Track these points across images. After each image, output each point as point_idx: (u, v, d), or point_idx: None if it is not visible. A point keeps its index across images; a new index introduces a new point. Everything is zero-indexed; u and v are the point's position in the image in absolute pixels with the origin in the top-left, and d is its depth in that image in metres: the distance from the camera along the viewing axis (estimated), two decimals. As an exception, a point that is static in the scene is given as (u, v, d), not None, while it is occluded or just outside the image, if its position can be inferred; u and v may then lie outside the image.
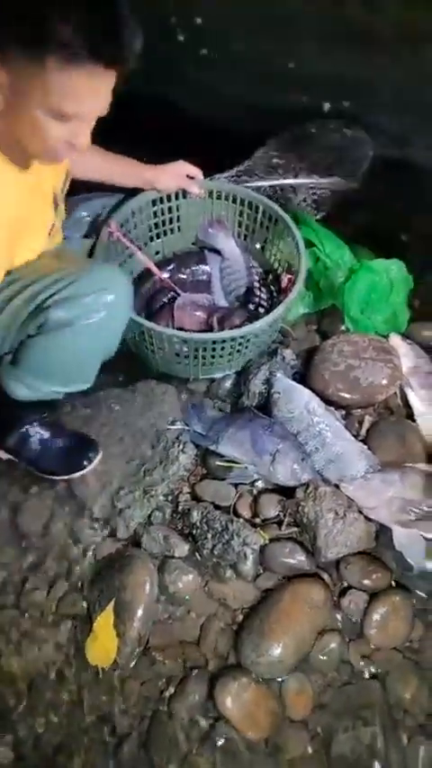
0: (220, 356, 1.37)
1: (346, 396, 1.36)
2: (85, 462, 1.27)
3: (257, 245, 1.59)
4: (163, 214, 1.55)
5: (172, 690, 1.09)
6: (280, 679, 1.08)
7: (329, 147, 1.77)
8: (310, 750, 1.04)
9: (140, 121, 1.58)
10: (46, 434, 1.26)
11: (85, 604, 1.18)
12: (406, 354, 1.42)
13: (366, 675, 1.09)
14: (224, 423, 1.31)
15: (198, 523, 1.21)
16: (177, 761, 1.03)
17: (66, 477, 1.28)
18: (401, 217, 1.68)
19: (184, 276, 1.57)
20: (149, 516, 1.26)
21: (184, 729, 1.05)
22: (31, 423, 1.25)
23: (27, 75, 0.76)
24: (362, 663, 1.10)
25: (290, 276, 1.41)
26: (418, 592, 1.16)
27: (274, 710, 1.06)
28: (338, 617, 1.14)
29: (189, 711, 1.07)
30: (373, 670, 1.10)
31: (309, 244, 1.50)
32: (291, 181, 1.66)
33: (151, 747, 1.05)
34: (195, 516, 1.22)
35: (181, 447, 1.34)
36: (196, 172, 1.47)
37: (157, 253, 1.63)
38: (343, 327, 1.50)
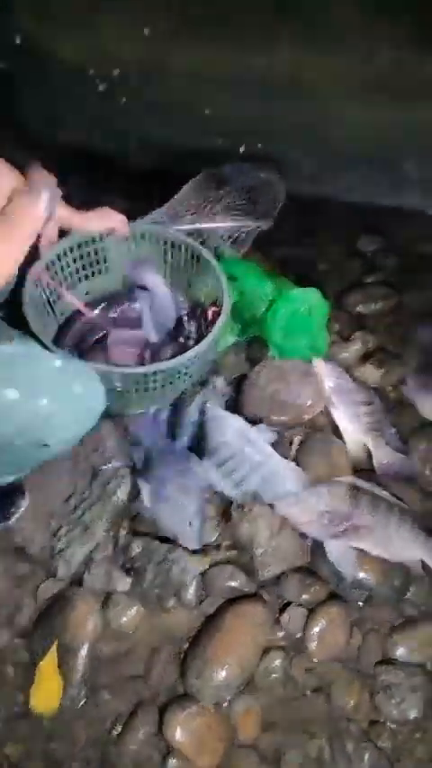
0: (154, 389, 1.41)
1: (275, 418, 1.43)
2: (12, 510, 1.28)
3: (184, 283, 1.66)
4: (89, 256, 1.59)
5: (120, 727, 1.08)
6: (227, 702, 1.09)
7: (244, 189, 1.88)
8: (261, 772, 1.05)
9: (68, 166, 1.64)
10: None
11: (27, 651, 1.16)
12: (328, 375, 1.51)
13: (310, 688, 1.13)
14: (152, 456, 1.35)
15: (138, 555, 1.23)
16: (130, 800, 1.02)
17: None
18: (317, 247, 1.81)
19: (115, 314, 1.61)
20: (90, 553, 1.26)
21: (136, 766, 1.05)
22: None
23: None
24: (306, 676, 1.13)
25: (215, 309, 1.48)
26: (354, 601, 1.21)
27: (224, 735, 1.07)
28: (280, 634, 1.17)
29: (139, 748, 1.06)
30: (316, 682, 1.13)
31: (232, 278, 1.59)
32: (207, 225, 1.74)
33: (103, 790, 1.03)
34: (135, 549, 1.24)
35: (119, 481, 1.35)
36: (121, 217, 1.53)
37: (87, 293, 1.66)
38: (269, 354, 1.58)
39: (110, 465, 1.38)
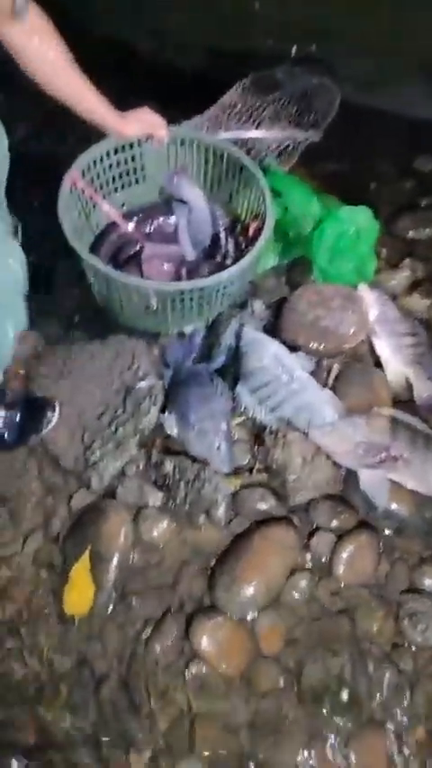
0: (190, 308, 1.36)
1: (315, 345, 1.37)
2: (43, 423, 1.30)
3: (224, 196, 1.56)
4: (126, 163, 1.50)
5: (149, 632, 1.12)
6: (252, 617, 1.12)
7: (294, 96, 1.72)
8: (282, 683, 1.08)
9: (101, 66, 1.51)
10: (2, 413, 1.29)
11: (61, 555, 1.19)
12: (373, 303, 1.43)
13: (335, 610, 1.14)
14: (178, 379, 1.33)
15: (171, 473, 1.23)
16: (156, 697, 1.07)
17: (29, 444, 1.30)
18: (368, 164, 1.66)
19: (151, 228, 1.54)
20: (123, 468, 1.27)
21: (162, 668, 1.09)
22: None
23: None
24: (331, 599, 1.15)
25: (257, 225, 1.39)
26: (384, 530, 1.20)
27: (248, 647, 1.10)
28: (308, 557, 1.18)
29: (166, 651, 1.10)
30: (341, 605, 1.14)
31: (276, 194, 1.48)
32: (253, 134, 1.61)
33: (131, 686, 1.08)
34: (168, 466, 1.24)
35: (153, 400, 1.34)
36: (161, 120, 1.42)
37: (123, 205, 1.58)
38: (312, 278, 1.50)
39: (143, 383, 1.36)
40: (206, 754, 1.03)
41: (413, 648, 1.10)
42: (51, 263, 1.55)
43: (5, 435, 1.29)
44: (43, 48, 1.06)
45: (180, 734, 1.05)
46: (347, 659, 1.09)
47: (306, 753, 1.02)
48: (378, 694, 1.06)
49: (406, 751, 1.02)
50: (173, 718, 1.06)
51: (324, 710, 1.05)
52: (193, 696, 1.07)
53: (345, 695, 1.06)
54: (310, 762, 1.01)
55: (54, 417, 1.32)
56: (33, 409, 1.33)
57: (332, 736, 1.03)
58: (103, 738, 1.05)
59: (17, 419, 1.30)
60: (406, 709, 1.05)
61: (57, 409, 1.33)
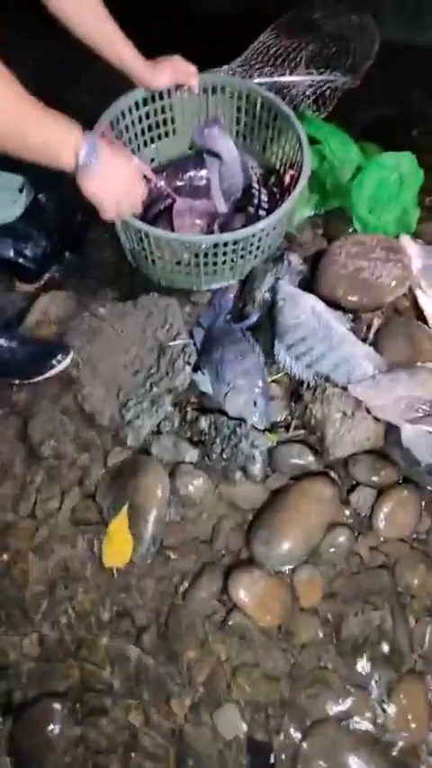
0: (223, 262, 1.32)
1: (355, 299, 1.32)
2: (53, 362, 1.31)
3: (258, 146, 1.50)
4: (156, 115, 1.45)
5: (187, 584, 1.13)
6: (291, 570, 1.11)
7: (333, 36, 1.63)
8: (321, 634, 1.08)
9: (128, 13, 1.45)
10: (13, 344, 1.31)
11: (98, 510, 1.20)
12: (416, 255, 1.37)
13: (375, 565, 1.13)
14: (211, 337, 1.30)
15: (206, 429, 1.22)
16: (196, 647, 1.08)
17: (34, 380, 1.33)
18: (411, 108, 1.56)
19: (182, 183, 1.50)
20: (158, 425, 1.26)
21: (201, 619, 1.10)
22: None
23: None
24: (371, 554, 1.13)
25: (293, 173, 1.34)
26: (427, 486, 1.17)
27: (286, 600, 1.10)
28: (347, 512, 1.16)
29: (204, 603, 1.11)
30: (381, 560, 1.13)
31: (312, 141, 1.42)
32: (287, 78, 1.53)
33: (170, 636, 1.10)
34: (203, 423, 1.22)
35: (186, 358, 1.32)
36: (192, 68, 1.36)
37: (152, 160, 1.55)
38: (351, 229, 1.44)
39: (177, 341, 1.34)
40: (245, 702, 1.04)
41: (455, 602, 1.08)
42: (82, 223, 1.54)
43: (7, 368, 1.31)
44: None
45: (219, 683, 1.06)
46: (387, 612, 1.08)
47: (346, 702, 1.02)
48: (419, 646, 1.05)
49: (449, 701, 1.01)
50: (212, 668, 1.07)
51: (364, 662, 1.04)
52: (231, 647, 1.08)
53: (385, 647, 1.05)
54: (351, 712, 1.01)
55: (65, 362, 1.32)
56: (48, 349, 1.34)
57: (372, 687, 1.03)
58: (143, 686, 1.07)
59: (26, 352, 1.31)
60: (448, 661, 1.04)
61: (70, 354, 1.33)
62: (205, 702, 1.05)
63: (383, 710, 1.01)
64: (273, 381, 1.29)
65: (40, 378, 1.33)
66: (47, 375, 1.32)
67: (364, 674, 1.04)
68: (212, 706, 1.04)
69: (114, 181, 0.96)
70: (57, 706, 1.05)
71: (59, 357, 1.32)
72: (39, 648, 1.12)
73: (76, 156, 0.88)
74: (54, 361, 1.31)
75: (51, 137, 0.84)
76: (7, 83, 0.79)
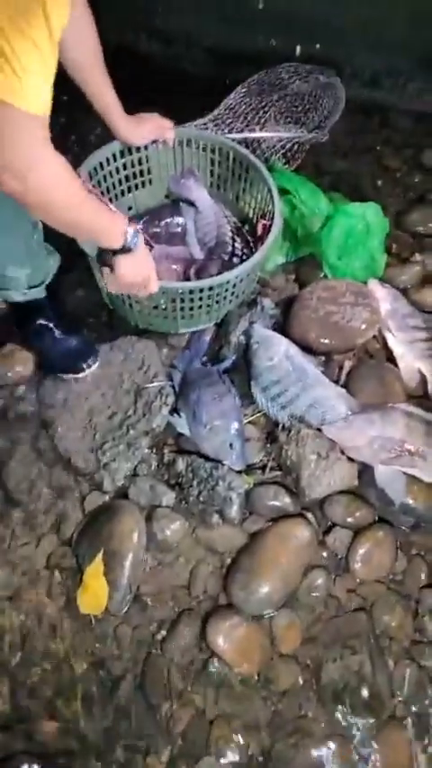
0: (199, 307, 1.36)
1: (326, 341, 1.36)
2: (84, 366, 1.36)
3: (231, 196, 1.57)
4: (133, 166, 1.51)
5: (164, 632, 1.11)
6: (269, 615, 1.10)
7: (300, 95, 1.73)
8: (300, 681, 1.07)
9: (107, 68, 1.52)
10: (57, 333, 1.37)
11: (74, 556, 1.19)
12: (384, 298, 1.42)
13: (353, 608, 1.12)
14: (188, 379, 1.33)
15: (183, 472, 1.22)
16: (173, 698, 1.06)
17: (66, 377, 1.38)
18: (376, 160, 1.66)
19: (159, 229, 1.54)
20: (135, 468, 1.26)
21: (179, 668, 1.08)
22: (42, 320, 1.36)
23: None
24: (348, 596, 1.13)
25: (265, 223, 1.39)
26: (401, 526, 1.19)
27: (265, 645, 1.09)
28: (324, 554, 1.17)
29: (182, 651, 1.09)
30: (359, 602, 1.13)
31: (284, 191, 1.48)
32: (258, 134, 1.62)
33: (147, 687, 1.07)
34: (181, 465, 1.23)
35: (163, 400, 1.33)
36: (168, 123, 1.42)
37: (130, 208, 1.59)
38: (321, 275, 1.50)
39: (155, 383, 1.36)
40: (225, 754, 1.01)
41: (434, 646, 1.09)
42: (60, 266, 1.56)
43: (47, 355, 1.37)
44: (86, 33, 1.10)
45: (198, 735, 1.03)
46: (366, 656, 1.07)
47: (327, 751, 1.00)
48: (399, 691, 1.05)
49: (430, 748, 1.00)
50: (190, 718, 1.05)
51: (344, 708, 1.03)
52: (210, 696, 1.06)
53: (365, 692, 1.04)
54: (332, 760, 0.99)
55: (95, 364, 1.37)
56: (83, 347, 1.38)
57: (354, 734, 1.01)
58: (121, 741, 1.04)
59: (67, 345, 1.36)
60: (428, 705, 1.03)
61: (98, 357, 1.38)
62: (184, 756, 1.02)
63: (366, 759, 0.99)
64: (249, 422, 1.31)
65: (70, 376, 1.37)
66: (78, 376, 1.37)
67: (344, 722, 1.02)
68: (191, 759, 1.01)
69: (143, 262, 1.11)
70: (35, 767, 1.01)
71: (90, 361, 1.37)
72: (10, 703, 1.08)
73: (125, 238, 1.04)
74: (85, 365, 1.36)
75: (111, 224, 1.02)
76: (74, 179, 0.88)
